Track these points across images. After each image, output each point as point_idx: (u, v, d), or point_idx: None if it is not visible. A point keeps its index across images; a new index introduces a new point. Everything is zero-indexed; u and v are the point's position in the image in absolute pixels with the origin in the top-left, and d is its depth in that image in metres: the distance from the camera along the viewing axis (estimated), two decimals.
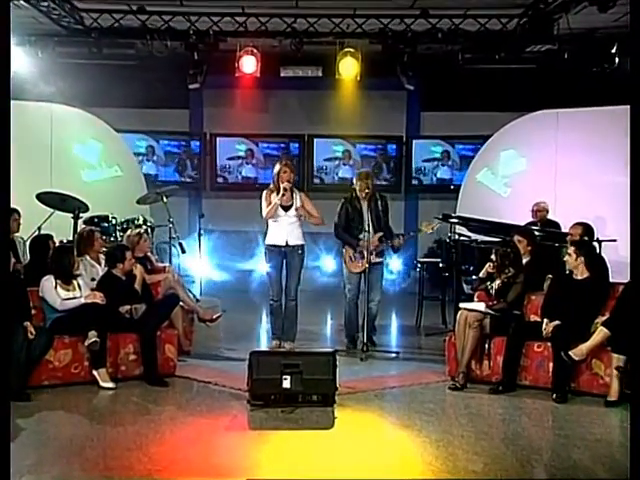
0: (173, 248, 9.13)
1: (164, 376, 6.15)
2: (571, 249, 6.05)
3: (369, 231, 7.14)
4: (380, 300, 7.45)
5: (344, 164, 12.59)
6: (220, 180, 12.63)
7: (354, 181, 7.46)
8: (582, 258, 5.97)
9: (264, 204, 7.26)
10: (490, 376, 6.09)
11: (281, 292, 7.30)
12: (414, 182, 12.66)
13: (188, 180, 12.46)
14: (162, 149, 12.44)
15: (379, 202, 7.41)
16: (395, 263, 11.88)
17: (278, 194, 7.17)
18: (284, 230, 7.22)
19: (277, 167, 7.28)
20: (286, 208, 7.24)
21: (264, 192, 7.30)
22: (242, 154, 12.55)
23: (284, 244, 7.21)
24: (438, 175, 12.55)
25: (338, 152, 12.66)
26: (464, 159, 12.35)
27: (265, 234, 7.38)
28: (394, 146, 12.66)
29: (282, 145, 12.60)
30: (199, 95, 12.21)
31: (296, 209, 7.24)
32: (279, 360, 5.45)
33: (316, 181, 12.63)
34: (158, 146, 12.40)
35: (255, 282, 10.73)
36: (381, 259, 7.42)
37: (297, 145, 12.61)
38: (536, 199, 8.95)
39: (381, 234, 7.29)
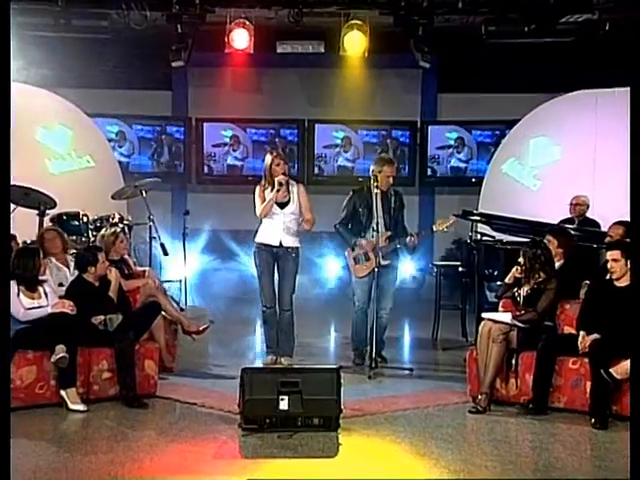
0: (154, 249, 9.11)
1: (143, 396, 6.13)
2: (615, 252, 5.99)
3: (378, 230, 7.13)
4: (392, 308, 7.44)
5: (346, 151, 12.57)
6: (207, 172, 12.62)
7: (373, 168, 7.41)
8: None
9: (257, 201, 7.26)
10: (518, 397, 6.06)
11: (274, 298, 7.30)
12: (430, 174, 12.64)
13: (164, 170, 12.40)
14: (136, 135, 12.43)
15: (393, 198, 7.43)
16: (408, 267, 11.85)
17: (272, 189, 7.16)
18: (279, 229, 7.21)
19: (268, 159, 7.25)
20: (282, 205, 7.23)
21: (257, 188, 7.30)
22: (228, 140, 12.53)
23: (277, 244, 7.21)
24: (452, 163, 12.54)
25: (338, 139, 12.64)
26: (485, 147, 12.33)
27: (257, 232, 7.38)
28: (407, 133, 12.63)
29: (272, 131, 12.58)
30: (183, 74, 12.19)
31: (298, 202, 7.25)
32: (275, 378, 5.43)
33: (318, 172, 12.61)
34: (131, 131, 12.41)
35: (248, 288, 10.66)
36: (392, 261, 7.40)
37: (295, 131, 12.59)
38: (571, 193, 8.92)
39: (390, 233, 7.27)
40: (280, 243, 7.21)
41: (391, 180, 7.35)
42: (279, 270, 7.28)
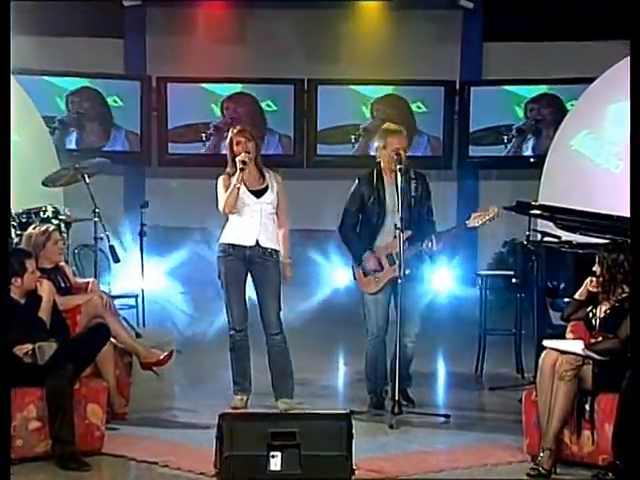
0: (100, 254, 9.11)
1: (84, 454, 6.10)
2: None
3: (397, 228, 7.12)
4: (418, 334, 7.45)
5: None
6: (174, 150, 12.64)
7: (376, 144, 7.47)
8: None
9: (220, 192, 7.34)
10: (594, 456, 6.02)
11: (245, 318, 7.38)
12: (473, 152, 12.66)
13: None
14: None
15: (414, 184, 7.42)
16: (443, 277, 11.84)
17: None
18: (254, 223, 7.27)
19: (228, 136, 7.41)
20: (258, 193, 7.30)
21: (219, 179, 7.39)
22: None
23: (251, 244, 7.25)
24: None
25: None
26: None
27: (222, 230, 7.42)
28: (442, 97, 12.64)
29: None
30: (139, 16, 12.24)
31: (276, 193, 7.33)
32: (265, 427, 5.42)
33: (322, 152, 12.62)
34: None
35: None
36: (416, 270, 7.39)
37: (291, 94, 12.61)
38: None
39: (410, 233, 7.27)
40: (257, 242, 7.25)
41: (402, 155, 7.31)
42: (256, 281, 7.33)
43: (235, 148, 7.27)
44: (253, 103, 12.70)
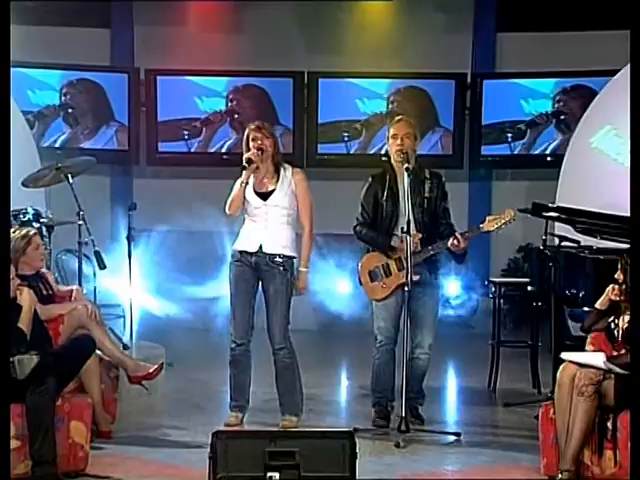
0: (85, 260, 9.10)
1: (67, 475, 6.10)
2: None
3: (408, 231, 7.10)
4: (432, 345, 7.44)
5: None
6: (164, 149, 12.63)
7: (388, 138, 7.50)
8: None
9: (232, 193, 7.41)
10: (616, 477, 6.01)
11: (248, 330, 7.37)
12: (485, 151, 12.65)
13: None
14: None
15: (428, 183, 7.44)
16: (453, 285, 11.82)
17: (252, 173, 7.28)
18: (259, 228, 7.28)
19: (246, 132, 7.42)
20: (265, 195, 7.30)
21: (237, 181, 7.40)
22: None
23: (254, 250, 7.26)
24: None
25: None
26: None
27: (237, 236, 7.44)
28: (453, 91, 12.63)
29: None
30: (127, 4, 12.21)
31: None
32: (262, 446, 5.39)
33: (323, 151, 12.61)
34: None
35: (222, 317, 10.69)
36: (428, 276, 7.39)
37: (290, 88, 12.61)
38: None
39: (421, 235, 7.27)
40: (260, 248, 7.24)
41: (407, 143, 7.34)
42: (264, 291, 7.33)
43: (251, 144, 7.27)
44: (260, 96, 12.65)
